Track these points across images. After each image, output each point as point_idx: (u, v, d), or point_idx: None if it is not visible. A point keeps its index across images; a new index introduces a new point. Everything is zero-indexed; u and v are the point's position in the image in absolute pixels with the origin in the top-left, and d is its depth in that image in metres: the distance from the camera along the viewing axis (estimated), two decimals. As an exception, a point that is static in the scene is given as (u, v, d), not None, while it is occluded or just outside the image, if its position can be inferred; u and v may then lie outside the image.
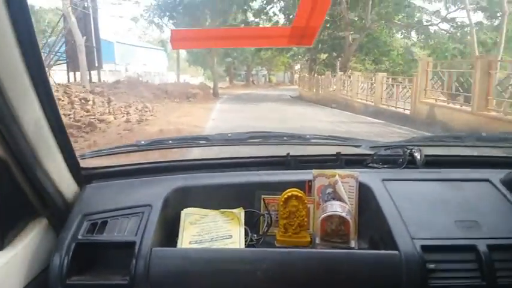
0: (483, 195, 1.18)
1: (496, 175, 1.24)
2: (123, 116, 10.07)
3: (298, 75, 34.47)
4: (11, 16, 0.75)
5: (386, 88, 12.64)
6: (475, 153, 1.52)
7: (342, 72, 18.01)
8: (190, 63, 33.53)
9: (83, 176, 1.23)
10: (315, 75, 22.89)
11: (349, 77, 15.95)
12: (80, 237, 1.06)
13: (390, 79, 13.19)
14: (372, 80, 13.67)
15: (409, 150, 1.40)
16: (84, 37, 13.50)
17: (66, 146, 1.10)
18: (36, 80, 0.88)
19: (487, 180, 1.23)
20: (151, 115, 10.93)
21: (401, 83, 12.31)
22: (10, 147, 0.88)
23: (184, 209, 1.19)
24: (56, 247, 1.03)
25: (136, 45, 29.84)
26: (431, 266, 0.97)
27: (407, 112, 10.82)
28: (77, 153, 1.20)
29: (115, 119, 9.55)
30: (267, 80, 40.93)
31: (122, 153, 1.39)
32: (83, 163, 1.25)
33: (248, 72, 37.41)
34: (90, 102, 10.13)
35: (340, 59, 22.15)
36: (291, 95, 23.57)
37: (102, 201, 1.18)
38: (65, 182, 1.13)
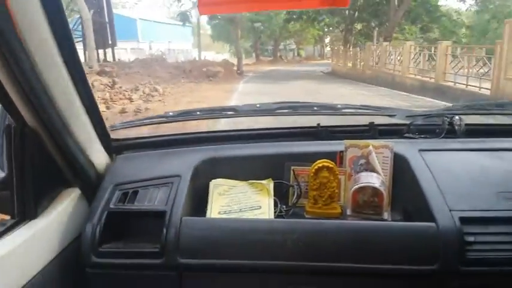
0: None
1: None
2: (123, 103, 8.39)
3: (330, 49, 32.53)
4: None
5: (452, 61, 10.20)
6: None
7: (387, 42, 15.84)
8: (214, 39, 32.06)
9: (113, 147, 1.25)
10: (351, 47, 21.16)
11: (398, 47, 13.69)
12: (111, 206, 1.07)
13: (459, 49, 10.71)
14: (431, 50, 11.16)
15: (448, 119, 1.32)
16: (91, 11, 12.67)
17: (96, 118, 1.11)
18: (65, 53, 0.89)
19: None
20: (159, 100, 9.49)
21: (471, 54, 9.70)
22: (42, 119, 0.90)
23: (213, 180, 1.19)
24: (88, 216, 1.06)
25: (160, 22, 28.84)
26: (470, 238, 0.93)
27: (486, 92, 8.51)
28: (107, 125, 1.21)
29: (107, 108, 7.74)
30: (296, 54, 38.87)
31: (151, 125, 1.40)
32: (114, 134, 1.27)
33: (275, 47, 35.21)
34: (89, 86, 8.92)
35: (379, 28, 19.89)
36: (324, 71, 21.70)
37: (133, 171, 1.19)
38: (96, 153, 1.14)
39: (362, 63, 17.39)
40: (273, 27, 28.29)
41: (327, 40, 36.06)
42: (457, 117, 1.33)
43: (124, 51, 19.82)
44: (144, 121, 1.42)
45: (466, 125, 1.32)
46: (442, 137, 1.30)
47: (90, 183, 1.13)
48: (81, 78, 0.99)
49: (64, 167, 1.05)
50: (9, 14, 0.72)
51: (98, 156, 1.16)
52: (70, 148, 1.01)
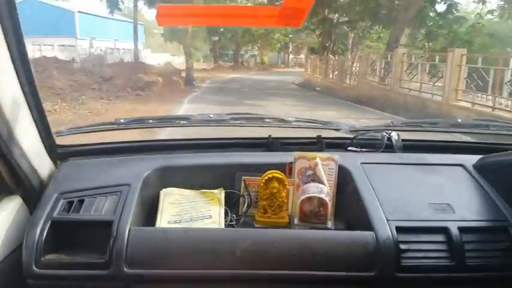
0: (456, 180, 1.22)
1: (469, 160, 1.28)
2: None
3: (304, 57, 28.96)
4: None
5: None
6: (450, 139, 1.56)
7: (403, 50, 12.26)
8: (166, 39, 29.31)
9: (59, 154, 1.20)
10: (329, 55, 18.20)
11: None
12: (55, 215, 1.04)
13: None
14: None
15: (387, 135, 1.43)
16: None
17: (42, 123, 1.07)
18: (14, 56, 0.87)
19: (460, 165, 1.27)
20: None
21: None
22: None
23: (164, 189, 1.18)
24: (30, 225, 1.01)
25: (105, 17, 24.44)
26: (405, 246, 1.01)
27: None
28: (53, 130, 1.17)
29: None
30: (258, 61, 35.64)
31: (100, 131, 1.36)
32: (59, 140, 1.22)
33: (237, 52, 32.00)
34: None
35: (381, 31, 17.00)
36: (295, 82, 18.67)
37: (79, 179, 1.16)
38: (39, 159, 1.10)
39: (351, 77, 14.50)
40: (235, 29, 25.82)
41: (292, 48, 34.44)
42: (394, 133, 1.44)
43: (50, 48, 16.94)
44: (93, 127, 1.38)
45: (403, 140, 1.44)
46: (382, 151, 1.40)
47: (32, 191, 1.08)
48: (29, 82, 0.96)
49: (5, 174, 1.00)
50: None
51: (42, 163, 1.11)
52: (12, 153, 0.96)
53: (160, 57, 26.87)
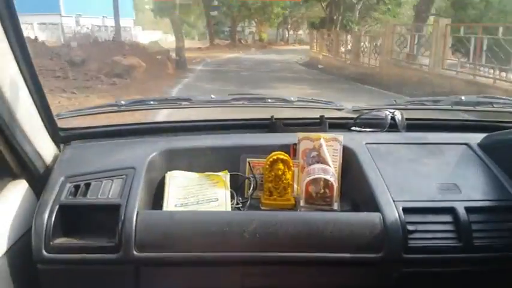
0: (462, 159, 1.23)
1: (474, 139, 1.28)
2: None
3: (305, 33, 27.45)
4: None
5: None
6: (455, 117, 1.56)
7: (447, 22, 9.22)
8: (156, 14, 25.59)
9: (61, 137, 1.19)
10: (337, 29, 15.84)
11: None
12: (62, 199, 1.04)
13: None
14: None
15: (390, 114, 1.43)
16: None
17: (43, 106, 1.05)
18: (12, 41, 0.86)
19: (465, 144, 1.27)
20: None
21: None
22: None
23: (169, 172, 1.18)
24: (38, 209, 1.01)
25: None
26: (412, 227, 1.02)
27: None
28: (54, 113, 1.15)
29: None
30: (257, 38, 32.24)
31: (102, 114, 1.34)
32: (61, 123, 1.21)
33: (233, 29, 28.76)
34: None
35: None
36: (299, 61, 16.52)
37: (84, 162, 1.15)
38: (43, 143, 1.09)
39: (373, 55, 11.95)
40: (230, 2, 23.65)
41: (291, 23, 31.80)
42: (398, 112, 1.43)
43: (29, 27, 14.95)
44: (94, 109, 1.36)
45: (407, 119, 1.43)
46: (385, 131, 1.39)
47: (37, 174, 1.08)
48: (27, 65, 0.95)
49: (9, 158, 0.99)
50: None
51: (45, 147, 1.10)
52: (15, 138, 0.96)
53: (152, 35, 24.88)
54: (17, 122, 0.94)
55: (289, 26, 33.86)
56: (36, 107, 1.04)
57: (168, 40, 21.15)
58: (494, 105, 1.49)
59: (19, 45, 0.90)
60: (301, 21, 30.39)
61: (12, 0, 0.84)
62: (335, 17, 17.54)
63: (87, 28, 18.24)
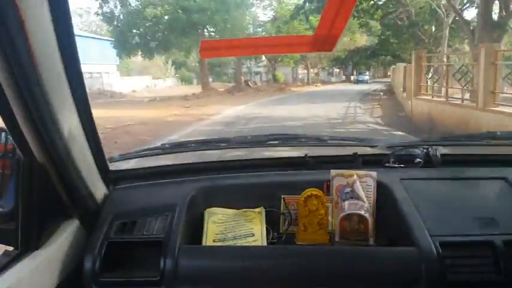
0: (499, 193, 1.20)
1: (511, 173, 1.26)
2: None
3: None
4: (56, 33, 0.82)
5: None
6: (490, 152, 1.53)
7: None
8: (145, 55, 20.68)
9: (112, 178, 1.30)
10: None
11: None
12: (111, 236, 1.11)
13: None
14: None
15: (425, 150, 1.43)
16: None
17: (97, 150, 1.16)
18: (74, 87, 0.94)
19: (503, 178, 1.25)
20: None
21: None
22: (49, 153, 0.95)
23: (208, 209, 1.24)
24: (88, 246, 1.09)
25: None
26: (450, 261, 1.00)
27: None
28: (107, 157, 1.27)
29: None
30: (269, 78, 26.52)
31: (148, 156, 1.46)
32: (112, 166, 1.32)
33: (238, 69, 23.09)
34: None
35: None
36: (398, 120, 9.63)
37: (131, 202, 1.24)
38: (95, 184, 1.19)
39: None
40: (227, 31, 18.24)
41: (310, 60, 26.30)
42: (433, 148, 1.43)
43: None
44: (141, 153, 1.48)
45: (442, 155, 1.42)
46: (421, 167, 1.39)
47: (89, 214, 1.16)
48: (85, 109, 1.03)
49: (65, 198, 1.09)
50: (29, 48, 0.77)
51: (97, 188, 1.20)
52: (73, 180, 1.05)
53: (141, 80, 20.22)
54: (74, 165, 1.04)
55: (309, 63, 27.64)
56: (91, 149, 1.15)
57: (158, 86, 17.04)
58: None
59: (80, 92, 0.98)
60: (323, 57, 25.12)
61: (76, 50, 0.92)
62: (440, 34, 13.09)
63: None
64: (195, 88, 19.69)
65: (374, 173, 1.28)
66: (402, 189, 1.23)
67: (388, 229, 1.20)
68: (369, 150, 1.52)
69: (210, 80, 23.15)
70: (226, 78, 26.61)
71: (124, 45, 19.61)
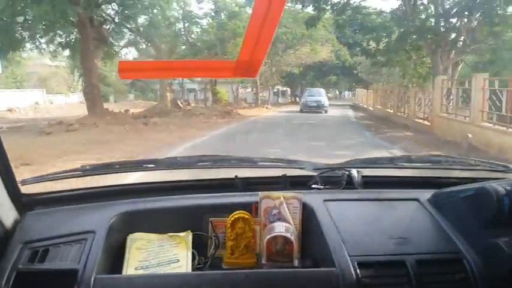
0: (412, 214, 1.30)
1: (424, 195, 1.37)
2: None
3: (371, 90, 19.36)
4: None
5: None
6: (406, 174, 1.66)
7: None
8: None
9: (23, 203, 1.19)
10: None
11: None
12: (20, 266, 1.02)
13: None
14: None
15: (347, 172, 1.51)
16: None
17: (6, 172, 1.07)
18: None
19: (416, 199, 1.35)
20: None
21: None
22: None
23: (130, 234, 1.18)
24: None
25: None
26: (367, 281, 1.05)
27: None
28: (18, 179, 1.16)
29: None
30: (202, 97, 21.72)
31: (66, 179, 1.36)
32: (24, 189, 1.21)
33: (162, 84, 18.62)
34: None
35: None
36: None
37: (44, 228, 1.14)
38: (4, 209, 1.09)
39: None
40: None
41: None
42: (354, 170, 1.52)
43: None
44: (58, 175, 1.37)
45: (363, 177, 1.51)
46: (343, 188, 1.46)
47: None
48: None
49: None
50: None
51: (7, 213, 1.10)
52: None
53: (28, 96, 14.50)
54: None
55: (258, 80, 22.18)
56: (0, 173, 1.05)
57: (56, 103, 12.32)
58: (442, 163, 1.61)
59: None
60: (274, 71, 20.65)
61: None
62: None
63: None
64: (96, 108, 13.67)
65: (300, 195, 1.31)
66: (325, 211, 1.27)
67: (312, 250, 1.23)
68: (296, 172, 1.57)
69: (131, 96, 17.96)
70: (152, 96, 21.10)
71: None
